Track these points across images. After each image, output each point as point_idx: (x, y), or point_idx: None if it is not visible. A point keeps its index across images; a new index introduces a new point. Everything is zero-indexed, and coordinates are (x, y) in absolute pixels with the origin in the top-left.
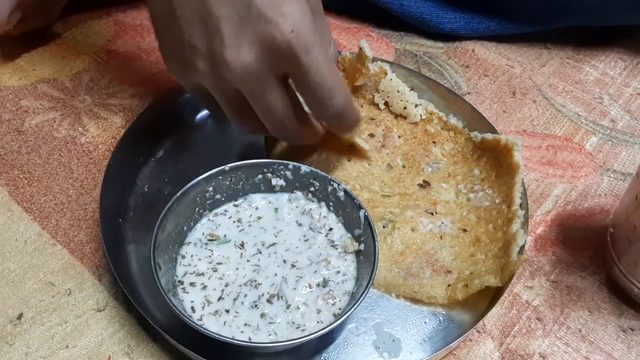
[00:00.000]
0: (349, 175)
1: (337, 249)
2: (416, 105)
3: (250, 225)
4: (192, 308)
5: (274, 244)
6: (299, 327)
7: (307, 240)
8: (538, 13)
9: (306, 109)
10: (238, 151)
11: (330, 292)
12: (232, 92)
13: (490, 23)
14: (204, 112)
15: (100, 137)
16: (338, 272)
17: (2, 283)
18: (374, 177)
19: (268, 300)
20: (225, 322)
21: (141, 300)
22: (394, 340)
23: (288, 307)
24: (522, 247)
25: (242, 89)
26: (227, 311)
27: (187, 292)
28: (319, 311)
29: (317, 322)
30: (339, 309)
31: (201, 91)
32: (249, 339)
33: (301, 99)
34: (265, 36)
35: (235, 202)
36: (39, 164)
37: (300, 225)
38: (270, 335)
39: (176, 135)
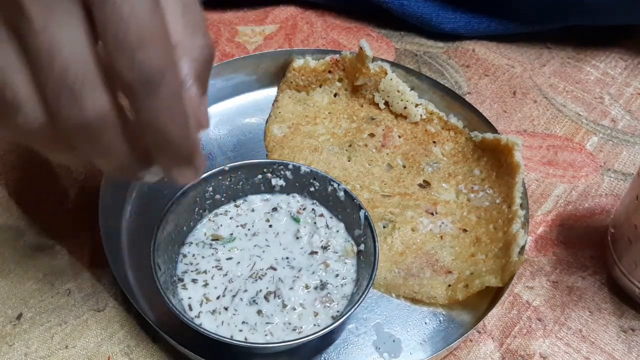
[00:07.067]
0: (349, 175)
1: (337, 252)
2: (416, 105)
3: (252, 225)
4: (190, 306)
5: (272, 244)
6: (295, 329)
7: (305, 241)
8: (538, 13)
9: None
10: (238, 151)
11: (329, 295)
12: (1, 32)
13: (490, 23)
14: None
15: None
16: (337, 275)
17: (1, 283)
18: (374, 177)
19: (265, 297)
20: (223, 322)
21: (140, 301)
22: (394, 341)
23: (284, 306)
24: (523, 248)
25: (18, 14)
26: (226, 309)
27: (186, 289)
28: (316, 314)
29: (314, 324)
30: (337, 311)
31: None
32: (245, 339)
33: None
34: None
35: (236, 203)
36: (39, 164)
37: (298, 226)
38: (266, 335)
39: None
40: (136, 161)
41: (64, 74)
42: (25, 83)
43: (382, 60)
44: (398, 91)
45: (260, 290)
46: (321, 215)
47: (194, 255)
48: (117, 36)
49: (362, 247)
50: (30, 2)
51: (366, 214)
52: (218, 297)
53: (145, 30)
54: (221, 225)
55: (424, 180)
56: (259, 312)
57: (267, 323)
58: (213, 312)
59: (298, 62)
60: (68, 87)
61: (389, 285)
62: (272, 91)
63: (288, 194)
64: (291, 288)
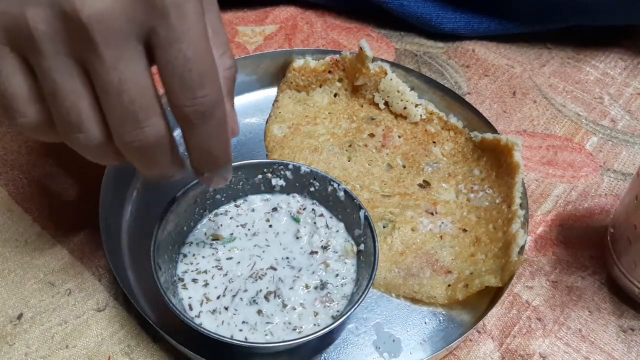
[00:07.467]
0: (349, 175)
1: (337, 252)
2: (416, 105)
3: (252, 225)
4: (190, 306)
5: (272, 244)
6: (295, 329)
7: (305, 241)
8: (538, 13)
9: None
10: (238, 151)
11: (329, 295)
12: (69, 64)
13: (490, 23)
14: None
15: None
16: (337, 275)
17: (2, 283)
18: (374, 177)
19: (265, 297)
20: (223, 321)
21: (141, 301)
22: (394, 341)
23: (284, 306)
24: (522, 247)
25: (90, 51)
26: (226, 308)
27: (187, 289)
28: (316, 314)
29: (314, 324)
30: (337, 311)
31: (12, 67)
32: (246, 338)
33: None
34: None
35: (236, 203)
36: (39, 164)
37: (298, 226)
38: (266, 335)
39: (177, 134)
40: (175, 168)
41: (131, 105)
42: (89, 108)
43: (382, 60)
44: (398, 91)
45: (261, 290)
46: (321, 215)
47: (194, 255)
48: (181, 76)
49: (362, 247)
50: (104, 44)
51: (366, 214)
52: (218, 297)
53: (205, 71)
54: (221, 225)
55: (424, 180)
56: (259, 312)
57: (267, 323)
58: (213, 311)
59: (298, 62)
60: (133, 116)
61: (389, 285)
62: (272, 91)
63: (288, 194)
64: (291, 288)
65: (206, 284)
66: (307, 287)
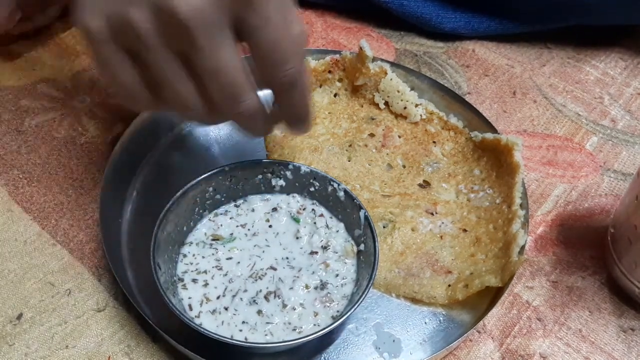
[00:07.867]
0: (349, 175)
1: (337, 252)
2: (416, 105)
3: (252, 225)
4: (190, 306)
5: (272, 244)
6: (295, 329)
7: (305, 241)
8: (538, 12)
9: None
10: (238, 151)
11: (329, 295)
12: (171, 55)
13: (490, 22)
14: None
15: (100, 137)
16: (337, 275)
17: (1, 283)
18: (374, 177)
19: (265, 297)
20: (223, 322)
21: (141, 301)
22: (394, 341)
23: (284, 306)
24: (523, 247)
25: (189, 43)
26: (226, 309)
27: (186, 289)
28: (316, 314)
29: (314, 324)
30: (337, 311)
31: (124, 63)
32: (245, 338)
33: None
34: None
35: (236, 203)
36: (39, 164)
37: (298, 226)
38: (266, 335)
39: (176, 135)
40: (269, 125)
41: (229, 86)
42: (193, 90)
43: (382, 60)
44: (398, 91)
45: (260, 290)
46: (321, 215)
47: (194, 255)
48: (269, 56)
49: (362, 247)
50: (201, 36)
51: (366, 214)
52: (218, 297)
53: (288, 48)
54: (221, 225)
55: (424, 180)
56: (259, 312)
57: (267, 323)
58: (213, 312)
59: None
60: (232, 94)
61: (389, 285)
62: None
63: (288, 194)
64: (291, 288)
65: (206, 284)
66: (307, 287)
